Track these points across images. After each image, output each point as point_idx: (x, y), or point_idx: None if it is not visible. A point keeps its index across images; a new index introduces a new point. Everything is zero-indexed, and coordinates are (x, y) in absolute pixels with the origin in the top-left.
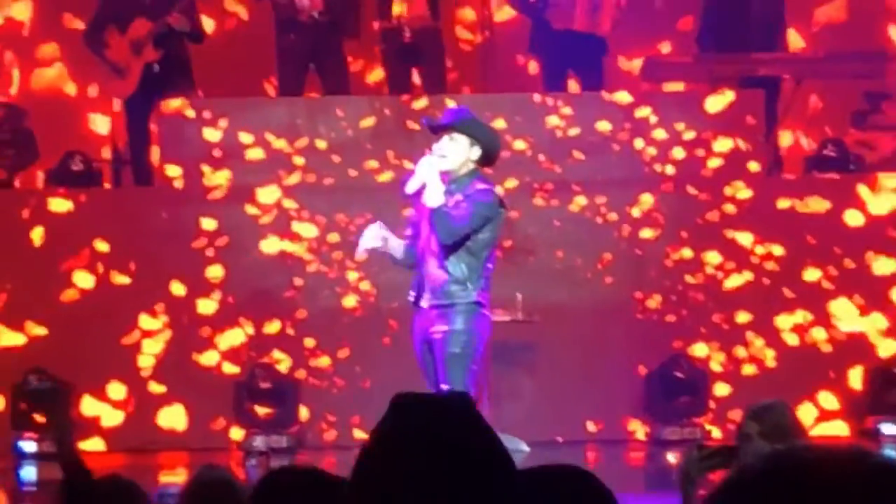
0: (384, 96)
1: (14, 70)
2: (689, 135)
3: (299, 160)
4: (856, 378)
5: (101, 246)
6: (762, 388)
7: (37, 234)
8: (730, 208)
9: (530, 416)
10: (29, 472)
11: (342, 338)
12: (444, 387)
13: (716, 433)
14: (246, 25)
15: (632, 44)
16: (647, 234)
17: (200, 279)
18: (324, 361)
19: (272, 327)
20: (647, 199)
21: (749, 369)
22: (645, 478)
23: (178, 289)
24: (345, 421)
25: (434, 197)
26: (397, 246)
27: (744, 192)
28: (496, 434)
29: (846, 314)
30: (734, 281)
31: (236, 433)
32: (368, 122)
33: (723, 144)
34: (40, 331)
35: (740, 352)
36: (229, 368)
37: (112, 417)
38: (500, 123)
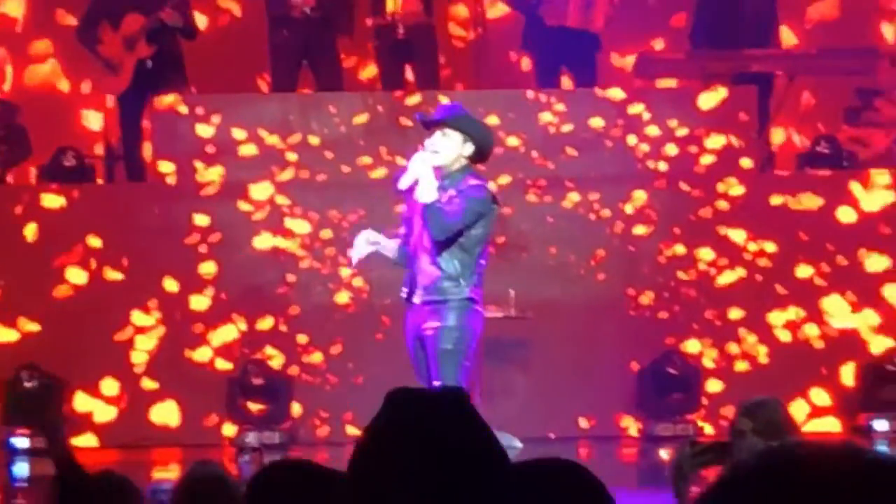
0: (377, 92)
1: (7, 66)
2: (682, 131)
3: (292, 156)
4: (848, 374)
5: (94, 242)
6: (755, 384)
7: (29, 231)
8: (722, 205)
9: (523, 413)
10: (21, 469)
11: (335, 334)
12: (437, 383)
13: (708, 429)
14: (239, 21)
15: (625, 40)
16: (639, 230)
17: (193, 275)
18: (316, 358)
19: (265, 323)
20: (639, 196)
21: (742, 366)
22: (637, 474)
23: (170, 285)
24: (337, 417)
25: (427, 193)
26: (391, 247)
27: (736, 189)
28: (491, 429)
29: (838, 311)
30: (727, 277)
31: (229, 429)
32: (361, 118)
33: (715, 141)
34: (33, 327)
35: (733, 348)
36: (222, 365)
37: (105, 413)
38: (493, 120)
